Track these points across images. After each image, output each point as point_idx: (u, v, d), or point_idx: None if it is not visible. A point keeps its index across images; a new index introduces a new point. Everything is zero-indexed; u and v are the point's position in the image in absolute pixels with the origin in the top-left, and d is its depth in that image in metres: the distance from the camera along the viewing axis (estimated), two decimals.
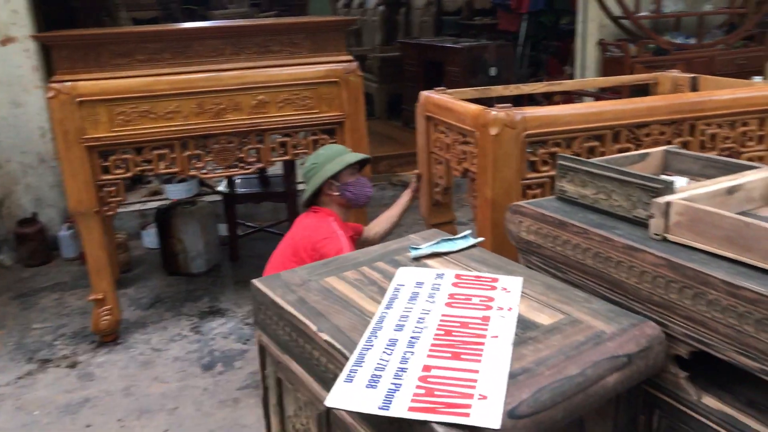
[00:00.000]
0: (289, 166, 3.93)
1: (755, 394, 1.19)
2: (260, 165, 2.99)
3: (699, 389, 1.23)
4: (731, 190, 1.37)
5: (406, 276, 1.41)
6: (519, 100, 4.69)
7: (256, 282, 1.43)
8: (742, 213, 1.35)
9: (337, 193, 2.44)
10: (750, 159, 2.36)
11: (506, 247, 1.76)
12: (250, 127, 2.90)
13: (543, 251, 1.48)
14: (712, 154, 2.15)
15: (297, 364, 1.29)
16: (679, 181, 1.46)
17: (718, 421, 1.19)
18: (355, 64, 3.01)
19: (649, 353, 1.18)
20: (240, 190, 3.98)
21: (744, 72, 4.72)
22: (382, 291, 1.35)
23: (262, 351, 1.44)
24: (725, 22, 5.13)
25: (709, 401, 1.21)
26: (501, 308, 1.25)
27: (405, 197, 2.81)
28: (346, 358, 1.11)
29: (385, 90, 7.22)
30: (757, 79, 4.29)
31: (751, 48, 4.93)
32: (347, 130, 3.02)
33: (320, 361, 1.20)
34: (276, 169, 3.88)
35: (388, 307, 1.29)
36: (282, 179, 4.05)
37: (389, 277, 1.42)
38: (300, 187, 4.45)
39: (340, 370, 1.09)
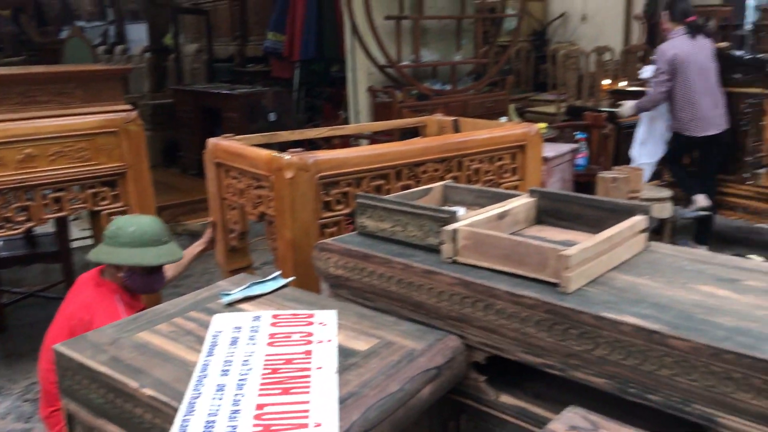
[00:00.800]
0: (62, 223, 3.63)
1: (541, 387, 1.40)
2: (32, 224, 2.74)
3: (496, 390, 1.41)
4: (501, 216, 1.61)
5: (222, 322, 1.42)
6: (299, 144, 4.86)
7: (59, 347, 1.33)
8: (513, 233, 1.59)
9: (122, 275, 2.21)
10: (507, 188, 2.73)
11: (309, 285, 1.84)
12: (17, 183, 2.66)
13: (351, 283, 1.59)
14: (478, 186, 2.45)
15: (115, 426, 1.22)
16: (460, 211, 1.66)
17: (514, 414, 1.37)
18: (134, 113, 2.92)
19: (453, 363, 1.33)
20: (2, 254, 3.58)
21: (492, 113, 5.41)
22: (200, 340, 1.35)
23: (71, 420, 1.34)
24: (473, 70, 5.84)
25: (505, 399, 1.39)
26: (321, 341, 1.32)
27: (198, 246, 2.76)
28: (175, 410, 1.10)
29: (159, 137, 6.98)
30: (503, 119, 4.95)
31: (495, 93, 5.67)
32: (130, 181, 2.90)
33: (144, 418, 1.16)
34: (47, 226, 3.56)
35: (210, 354, 1.28)
36: (53, 237, 3.72)
37: (205, 325, 1.41)
38: (76, 244, 4.12)
39: (169, 423, 1.07)
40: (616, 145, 5.40)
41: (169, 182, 6.08)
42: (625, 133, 5.49)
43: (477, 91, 5.48)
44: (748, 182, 4.22)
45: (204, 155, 2.62)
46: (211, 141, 2.58)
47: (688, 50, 4.00)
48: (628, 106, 4.55)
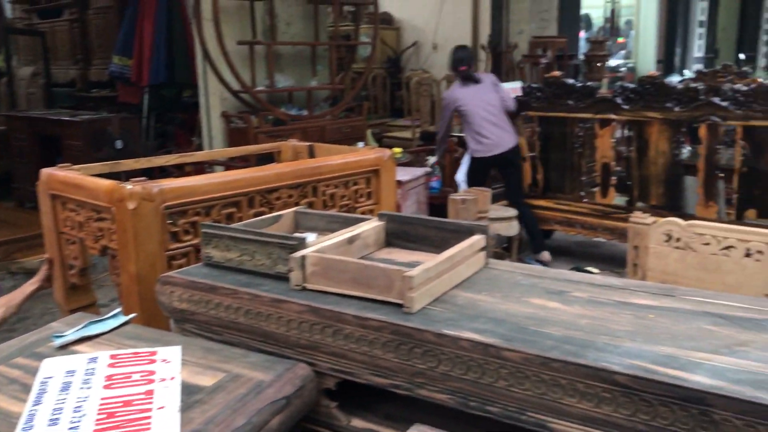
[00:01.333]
0: None
1: (391, 408, 1.42)
2: None
3: (347, 414, 1.41)
4: (351, 240, 1.62)
5: (53, 367, 1.31)
6: (151, 172, 4.65)
7: None
8: (362, 257, 1.61)
9: None
10: (363, 212, 2.78)
11: (158, 320, 1.75)
12: None
13: (197, 317, 1.53)
14: (334, 211, 2.47)
15: None
16: (310, 237, 1.66)
17: None
18: None
19: (303, 392, 1.32)
20: None
21: (350, 139, 5.50)
22: (27, 388, 1.24)
23: None
24: (329, 96, 5.92)
25: (357, 423, 1.40)
26: (163, 379, 1.26)
27: (31, 285, 2.53)
28: None
29: None
30: (361, 144, 5.04)
31: (352, 118, 5.77)
32: None
33: None
34: None
35: (37, 403, 1.18)
36: None
37: (32, 372, 1.30)
38: None
39: None
40: None
41: (2, 217, 5.58)
42: None
43: (334, 116, 5.55)
44: (584, 200, 4.59)
45: (38, 187, 2.44)
46: (45, 171, 2.40)
47: (465, 94, 4.55)
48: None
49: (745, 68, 9.18)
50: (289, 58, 5.64)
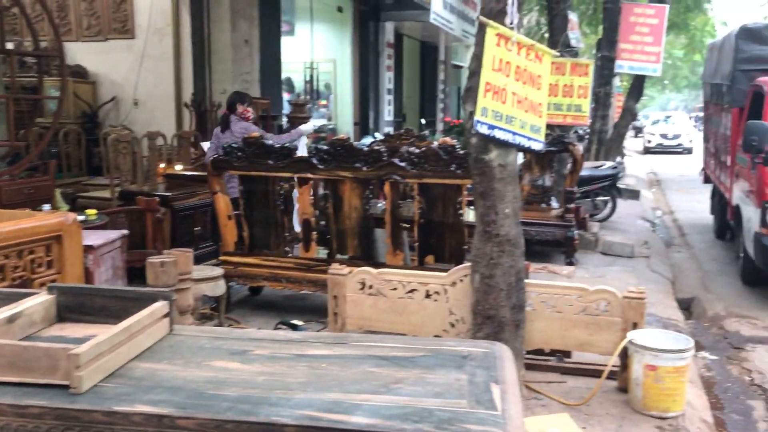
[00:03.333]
0: None
1: None
2: None
3: None
4: (11, 319, 1.46)
5: None
6: None
7: None
8: (26, 338, 1.46)
9: None
10: (43, 284, 2.52)
11: None
12: None
13: None
14: (3, 285, 2.20)
15: None
16: None
17: None
18: None
19: None
20: None
21: (34, 201, 4.95)
22: None
23: None
24: (8, 153, 5.28)
25: None
26: None
27: None
28: None
29: None
30: (46, 207, 4.58)
31: (36, 178, 5.22)
32: None
33: None
34: None
35: None
36: None
37: None
38: None
39: None
40: (172, 228, 5.53)
41: None
42: (180, 215, 5.68)
43: (12, 176, 4.95)
44: (288, 255, 4.77)
45: None
46: None
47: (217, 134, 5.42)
48: None
49: (425, 131, 10.57)
50: None
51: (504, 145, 3.35)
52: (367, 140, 9.45)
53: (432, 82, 14.70)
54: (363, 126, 12.79)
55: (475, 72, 3.24)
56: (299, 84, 12.50)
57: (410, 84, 15.06)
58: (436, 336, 3.88)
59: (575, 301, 3.57)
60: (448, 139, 4.25)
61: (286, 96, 11.28)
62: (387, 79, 13.29)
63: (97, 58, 9.01)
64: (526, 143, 3.48)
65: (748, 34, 7.11)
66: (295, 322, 4.16)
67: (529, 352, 3.66)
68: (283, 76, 13.40)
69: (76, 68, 8.82)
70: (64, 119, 9.03)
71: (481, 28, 3.20)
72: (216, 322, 4.44)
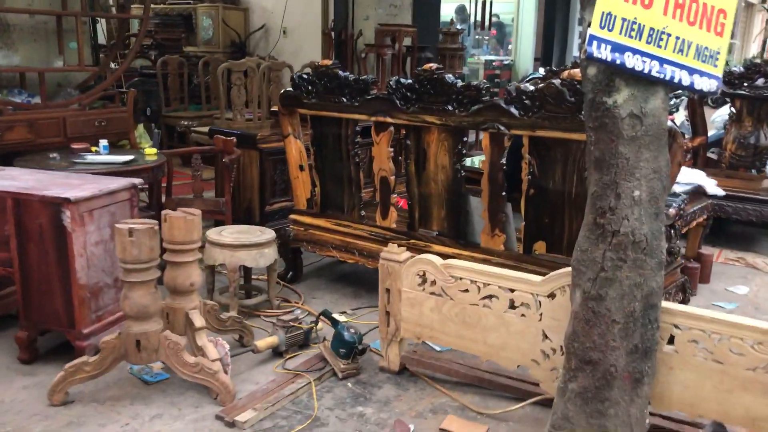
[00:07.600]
0: None
1: None
2: None
3: None
4: None
5: None
6: None
7: None
8: None
9: None
10: None
11: None
12: None
13: None
14: None
15: None
16: None
17: None
18: None
19: None
20: None
21: (107, 134, 4.42)
22: None
23: None
24: (88, 79, 4.76)
25: None
26: None
27: None
28: None
29: None
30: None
31: (110, 109, 4.65)
32: None
33: None
34: None
35: None
36: None
37: None
38: None
39: None
40: (260, 175, 4.66)
41: None
42: (270, 160, 4.79)
43: (82, 105, 4.42)
44: (364, 221, 3.71)
45: None
46: None
47: None
48: None
49: None
50: (24, 31, 4.47)
51: (642, 80, 1.96)
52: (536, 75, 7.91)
53: None
54: (545, 63, 11.08)
55: None
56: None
57: None
58: (520, 366, 2.64)
59: (751, 349, 2.12)
60: (576, 71, 2.81)
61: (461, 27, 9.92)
62: (578, 8, 11.33)
63: None
64: (687, 79, 2.02)
65: None
66: (336, 316, 3.13)
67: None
68: (458, 3, 12.01)
69: None
70: (212, 48, 8.67)
71: None
72: (263, 299, 3.56)
